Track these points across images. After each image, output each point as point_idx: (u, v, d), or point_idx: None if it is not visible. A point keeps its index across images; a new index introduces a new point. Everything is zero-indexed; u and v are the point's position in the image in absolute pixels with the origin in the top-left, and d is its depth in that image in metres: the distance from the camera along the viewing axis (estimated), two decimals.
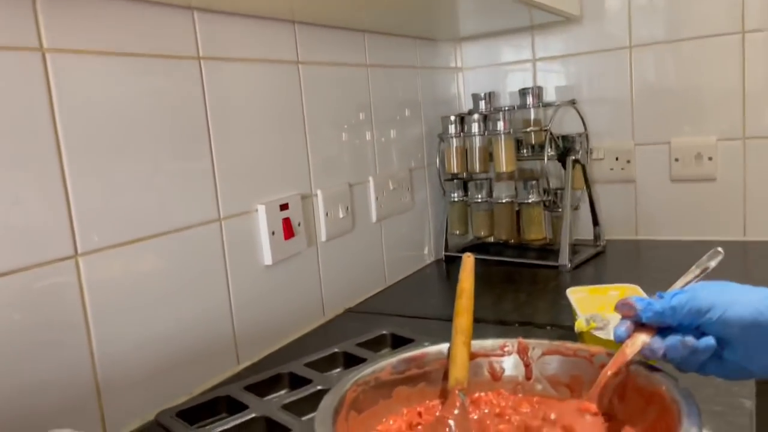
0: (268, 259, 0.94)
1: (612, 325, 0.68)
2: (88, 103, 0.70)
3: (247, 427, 0.68)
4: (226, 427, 0.67)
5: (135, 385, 0.75)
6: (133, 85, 0.75)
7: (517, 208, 1.36)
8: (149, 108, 0.77)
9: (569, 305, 0.90)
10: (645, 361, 0.54)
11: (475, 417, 0.58)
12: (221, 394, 0.75)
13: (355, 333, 0.93)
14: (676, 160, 1.36)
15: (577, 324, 0.71)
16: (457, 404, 0.55)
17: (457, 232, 1.40)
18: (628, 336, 0.54)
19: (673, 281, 0.60)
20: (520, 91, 1.37)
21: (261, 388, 0.77)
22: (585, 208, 1.39)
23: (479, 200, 1.35)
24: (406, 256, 1.35)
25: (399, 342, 0.89)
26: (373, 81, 1.22)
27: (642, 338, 0.54)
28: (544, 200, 1.31)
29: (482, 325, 1.00)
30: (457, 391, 0.56)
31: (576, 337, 0.87)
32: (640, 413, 0.53)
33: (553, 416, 0.53)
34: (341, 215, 1.11)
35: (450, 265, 1.42)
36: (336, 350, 0.86)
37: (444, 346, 0.64)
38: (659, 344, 0.52)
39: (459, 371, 0.57)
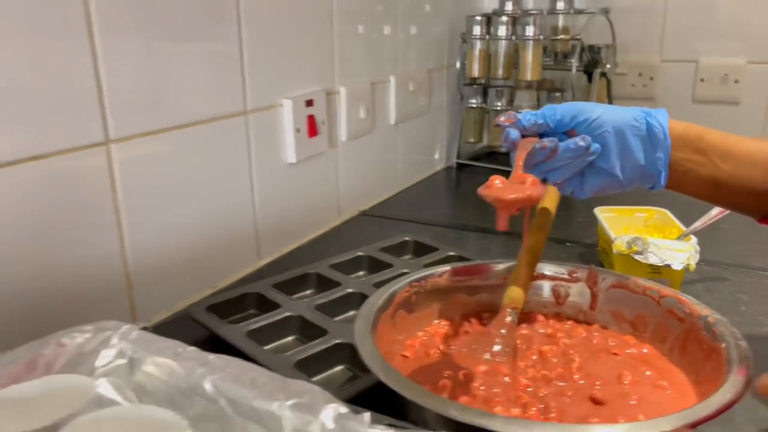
0: (292, 156, 0.92)
1: (651, 250, 0.68)
2: None
3: (281, 326, 0.69)
4: (262, 324, 0.68)
5: (162, 276, 0.74)
6: None
7: None
8: None
9: (588, 222, 0.90)
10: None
11: (525, 332, 0.59)
12: (251, 290, 0.75)
13: (371, 236, 0.93)
14: (702, 80, 1.33)
15: (615, 245, 0.71)
16: (506, 321, 0.56)
17: (472, 140, 1.37)
18: (519, 138, 0.56)
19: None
20: None
21: (288, 287, 0.77)
22: None
23: (499, 108, 1.31)
24: (418, 161, 1.33)
25: (422, 249, 0.89)
26: None
27: (533, 140, 0.55)
28: None
29: (508, 238, 1.00)
30: (508, 309, 0.56)
31: (599, 255, 0.88)
32: (696, 367, 0.53)
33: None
34: (362, 115, 1.08)
35: (460, 172, 1.40)
36: (360, 254, 0.86)
37: (511, 264, 0.63)
38: (551, 143, 0.54)
39: (515, 290, 0.57)
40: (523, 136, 0.57)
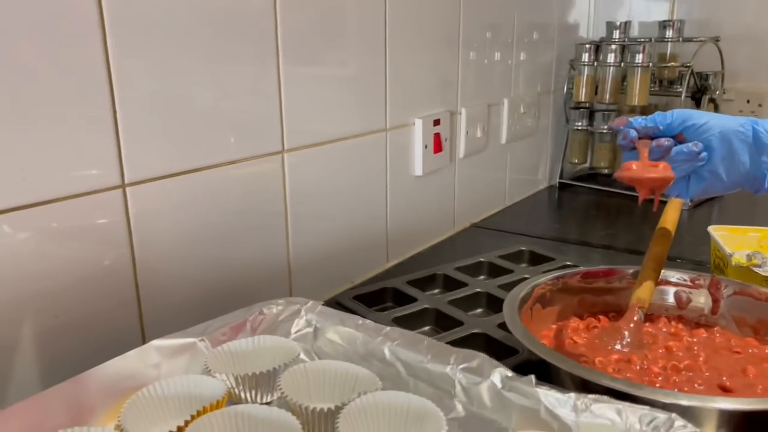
0: (419, 170, 1.02)
1: None
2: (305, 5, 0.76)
3: (419, 316, 0.78)
4: (403, 313, 0.77)
5: (312, 269, 0.85)
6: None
7: None
8: (342, 21, 0.83)
9: (697, 241, 0.95)
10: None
11: (650, 330, 0.65)
12: (389, 285, 0.85)
13: (483, 246, 1.01)
14: None
15: (735, 258, 0.76)
16: (634, 318, 0.62)
17: (576, 161, 1.43)
18: (637, 137, 0.62)
19: None
20: (660, 23, 1.35)
21: (420, 284, 0.86)
22: None
23: (605, 131, 1.37)
24: (523, 179, 1.40)
25: (538, 258, 0.97)
26: (519, 3, 1.22)
27: (648, 141, 0.61)
28: None
29: (611, 252, 1.06)
30: (636, 308, 0.62)
31: (712, 272, 0.92)
32: None
33: None
34: (479, 134, 1.16)
35: (562, 192, 1.46)
36: (482, 259, 0.94)
37: (635, 269, 0.70)
38: (668, 142, 0.61)
39: (642, 291, 0.63)
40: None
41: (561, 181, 1.47)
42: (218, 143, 0.70)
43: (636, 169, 0.59)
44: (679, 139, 0.63)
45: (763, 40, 1.36)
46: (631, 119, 0.63)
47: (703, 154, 0.61)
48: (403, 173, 1.00)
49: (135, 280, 0.64)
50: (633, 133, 0.62)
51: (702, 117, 0.62)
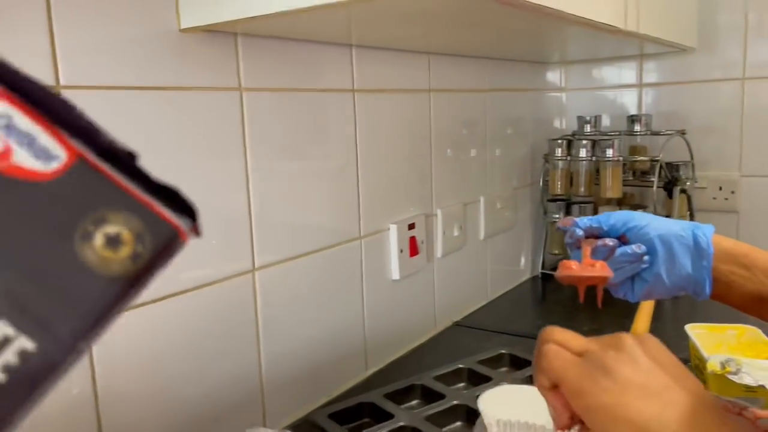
0: (396, 274, 1.02)
1: (745, 370, 0.72)
2: (268, 131, 0.79)
3: None
4: None
5: (288, 384, 0.84)
6: (298, 115, 0.84)
7: None
8: (310, 136, 0.85)
9: (678, 336, 0.94)
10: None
11: None
12: (366, 400, 0.83)
13: (466, 347, 1.00)
14: None
15: (710, 365, 0.75)
16: None
17: (556, 252, 1.44)
18: (583, 236, 0.63)
19: None
20: (628, 117, 1.39)
21: (397, 397, 0.85)
22: None
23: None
24: (505, 271, 1.41)
25: (518, 362, 0.95)
26: (490, 104, 1.27)
27: (594, 241, 0.62)
28: None
29: None
30: None
31: (692, 371, 0.90)
32: None
33: None
34: (455, 233, 1.18)
35: (546, 282, 1.46)
36: (461, 366, 0.93)
37: None
38: (612, 242, 0.61)
39: None
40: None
41: (543, 271, 1.47)
42: (184, 265, 0.70)
43: (575, 268, 0.60)
44: (622, 240, 0.64)
45: (729, 131, 1.41)
46: (576, 219, 0.65)
47: (647, 257, 0.62)
48: (379, 278, 1.00)
49: (98, 416, 0.63)
50: (579, 233, 0.63)
51: (643, 219, 0.63)
